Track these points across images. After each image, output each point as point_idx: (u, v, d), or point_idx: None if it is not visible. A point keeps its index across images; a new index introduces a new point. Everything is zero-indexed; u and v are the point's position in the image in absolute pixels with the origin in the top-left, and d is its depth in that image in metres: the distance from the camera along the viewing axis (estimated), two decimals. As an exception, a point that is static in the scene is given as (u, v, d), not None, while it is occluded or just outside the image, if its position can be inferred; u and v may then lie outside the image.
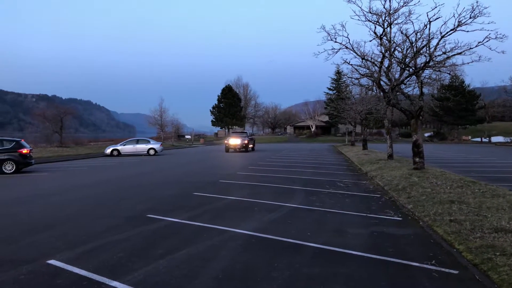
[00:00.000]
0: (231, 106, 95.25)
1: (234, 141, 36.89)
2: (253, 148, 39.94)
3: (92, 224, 7.92)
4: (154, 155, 33.99)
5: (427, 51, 14.53)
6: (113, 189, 13.15)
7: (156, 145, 35.45)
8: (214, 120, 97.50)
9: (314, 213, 8.91)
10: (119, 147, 34.50)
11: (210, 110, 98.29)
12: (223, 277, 4.93)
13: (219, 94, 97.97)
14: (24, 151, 19.33)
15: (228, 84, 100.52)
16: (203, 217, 8.37)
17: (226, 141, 38.46)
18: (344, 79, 63.57)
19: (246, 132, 41.16)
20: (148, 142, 36.00)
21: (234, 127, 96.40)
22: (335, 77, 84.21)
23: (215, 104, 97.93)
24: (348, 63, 17.08)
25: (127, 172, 18.92)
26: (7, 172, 18.61)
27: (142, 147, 34.80)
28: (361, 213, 8.88)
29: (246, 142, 36.81)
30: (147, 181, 15.06)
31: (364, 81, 22.89)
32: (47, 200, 10.98)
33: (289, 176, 16.27)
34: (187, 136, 78.98)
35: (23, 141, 20.18)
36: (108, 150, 34.27)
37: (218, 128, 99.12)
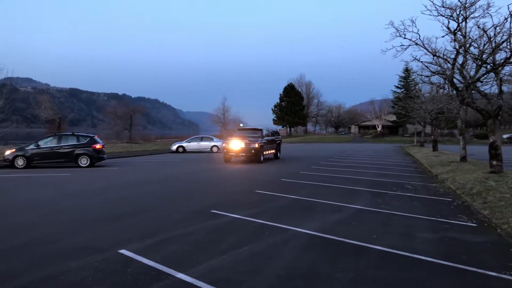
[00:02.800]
0: (293, 105, 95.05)
1: (237, 144, 22.41)
2: (276, 155, 26.32)
3: (160, 217, 8.27)
4: (217, 152, 34.82)
5: (508, 46, 13.40)
6: (179, 184, 13.65)
7: (219, 143, 36.23)
8: (275, 118, 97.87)
9: (379, 215, 8.59)
10: (184, 144, 35.79)
11: (272, 109, 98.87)
12: (286, 276, 4.90)
13: (281, 93, 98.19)
14: (98, 146, 20.68)
15: (291, 83, 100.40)
16: (265, 214, 8.40)
17: (224, 144, 23.51)
18: (414, 76, 60.67)
19: (260, 130, 24.59)
20: (212, 139, 36.96)
21: (298, 126, 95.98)
22: (403, 74, 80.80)
23: (277, 102, 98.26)
24: (418, 60, 16.27)
25: (192, 168, 19.54)
26: (82, 165, 20.02)
27: (205, 144, 35.82)
28: (431, 217, 8.41)
29: (256, 146, 22.07)
30: (211, 177, 15.44)
31: (435, 79, 21.67)
32: (118, 193, 11.65)
33: (353, 177, 15.87)
34: (249, 135, 79.99)
35: (96, 137, 21.60)
36: (174, 147, 35.69)
37: (280, 127, 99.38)
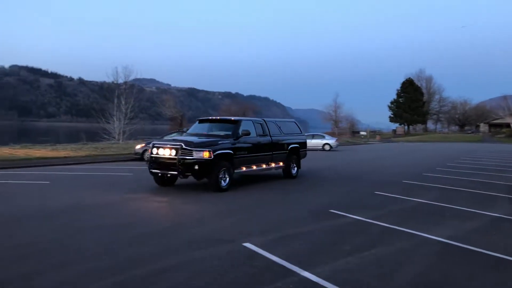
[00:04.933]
0: (411, 101, 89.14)
1: (164, 152, 10.96)
2: (287, 171, 14.12)
3: (280, 214, 8.38)
4: (329, 150, 34.30)
5: None
6: (294, 182, 13.70)
7: (331, 141, 35.68)
8: (392, 116, 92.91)
9: (525, 226, 7.50)
10: (296, 141, 35.80)
11: (388, 106, 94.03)
12: (418, 284, 4.56)
13: (398, 88, 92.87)
14: None
15: (409, 78, 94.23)
16: (388, 217, 7.94)
17: (148, 152, 12.63)
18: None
19: (235, 123, 12.35)
20: (323, 137, 36.49)
21: (418, 124, 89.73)
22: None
23: (394, 99, 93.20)
24: None
25: (305, 166, 19.48)
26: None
27: (317, 142, 35.46)
28: None
29: (203, 156, 10.50)
30: (326, 177, 15.22)
31: None
32: (236, 187, 12.05)
33: (488, 181, 14.22)
34: (362, 133, 77.26)
35: None
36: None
37: (397, 125, 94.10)
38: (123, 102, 39.15)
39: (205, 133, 12.48)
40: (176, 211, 8.79)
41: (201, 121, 13.68)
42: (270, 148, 13.10)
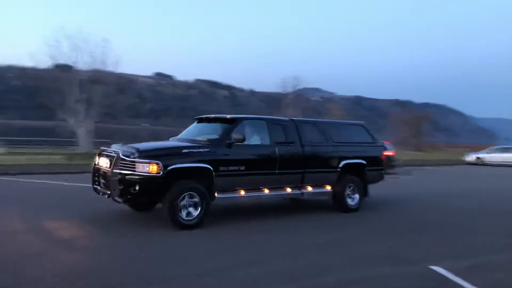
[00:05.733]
0: None
1: (103, 159, 7.53)
2: (341, 202, 9.14)
3: (469, 236, 7.53)
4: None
5: None
6: (489, 201, 12.22)
7: (534, 156, 30.38)
8: None
9: None
10: (482, 155, 31.97)
11: None
12: None
13: None
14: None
15: None
16: None
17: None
18: None
19: (233, 123, 8.17)
20: (520, 151, 31.44)
21: None
22: None
23: None
24: None
25: (498, 184, 17.09)
26: None
27: (510, 156, 30.75)
28: None
29: (150, 170, 6.69)
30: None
31: None
32: (415, 202, 11.26)
33: None
34: None
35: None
36: (471, 158, 32.30)
37: None
38: (291, 111, 41.26)
39: (193, 138, 8.57)
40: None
41: (200, 121, 9.71)
42: (300, 164, 8.56)
